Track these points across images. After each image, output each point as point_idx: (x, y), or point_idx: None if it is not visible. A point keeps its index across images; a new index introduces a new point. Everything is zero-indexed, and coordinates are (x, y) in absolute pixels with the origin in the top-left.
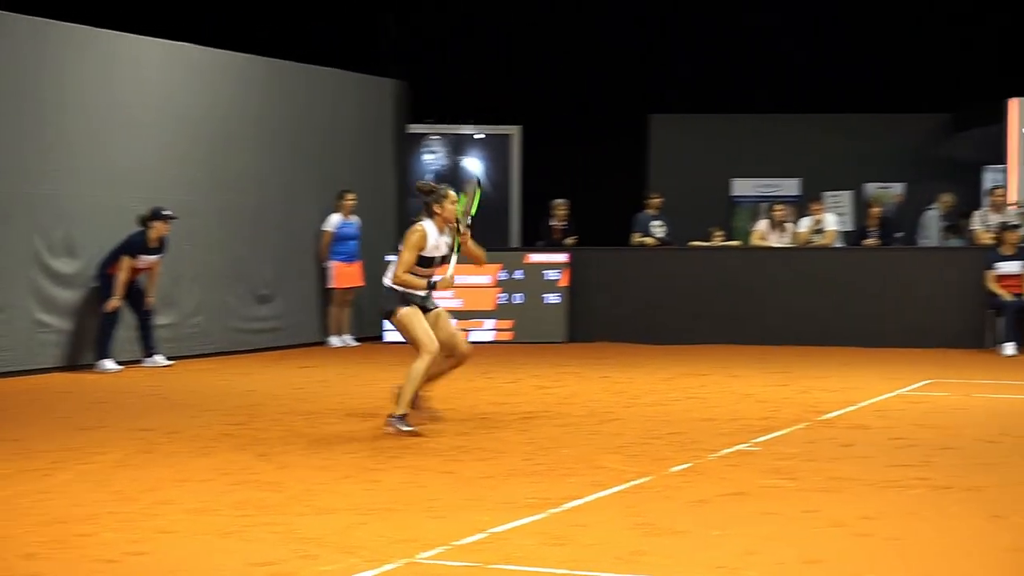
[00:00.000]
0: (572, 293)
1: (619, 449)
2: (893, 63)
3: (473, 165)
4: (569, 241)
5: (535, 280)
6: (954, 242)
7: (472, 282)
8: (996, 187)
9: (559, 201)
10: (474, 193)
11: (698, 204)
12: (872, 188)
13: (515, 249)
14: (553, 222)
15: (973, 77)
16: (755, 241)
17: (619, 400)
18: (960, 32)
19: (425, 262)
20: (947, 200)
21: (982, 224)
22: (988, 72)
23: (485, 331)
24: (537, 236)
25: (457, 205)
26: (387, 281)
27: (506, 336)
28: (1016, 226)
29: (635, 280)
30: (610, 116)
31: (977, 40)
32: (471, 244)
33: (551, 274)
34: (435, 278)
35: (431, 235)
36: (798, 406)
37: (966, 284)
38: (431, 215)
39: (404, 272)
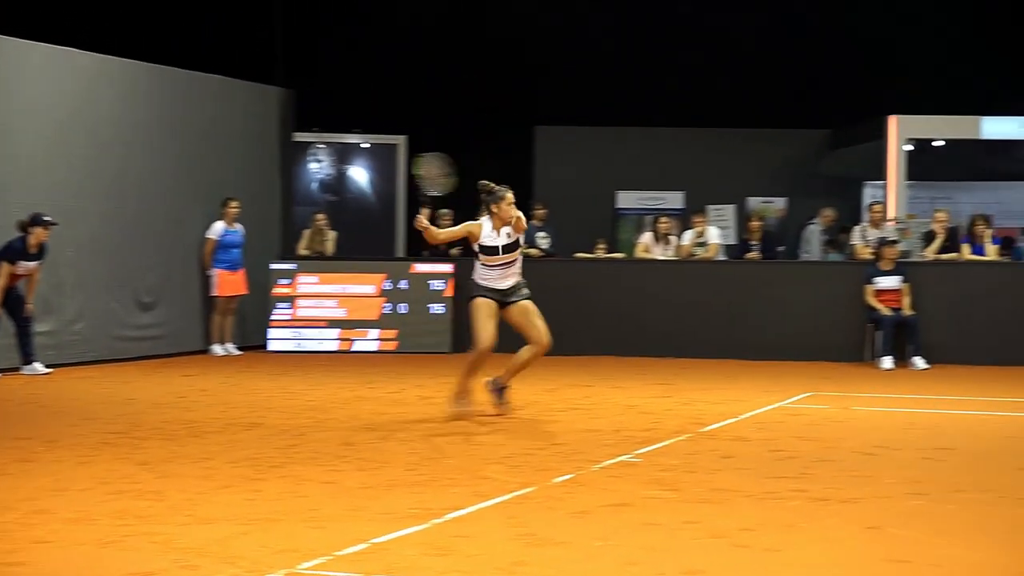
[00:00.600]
0: (457, 303)
1: (502, 460)
2: (776, 80)
3: (358, 174)
4: (454, 252)
5: (420, 290)
6: (834, 257)
7: (356, 291)
8: (875, 203)
9: (444, 211)
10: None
11: (583, 216)
12: (754, 202)
13: (400, 259)
14: None
15: (854, 94)
16: (639, 253)
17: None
18: (841, 50)
19: (485, 250)
20: (828, 215)
21: (861, 239)
22: (868, 89)
23: (369, 341)
24: (423, 246)
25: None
26: (474, 273)
27: (390, 346)
28: (894, 242)
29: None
30: (496, 127)
31: (858, 58)
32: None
33: (436, 284)
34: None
35: (486, 231)
36: (680, 418)
37: (846, 298)
38: (490, 214)
39: (439, 232)
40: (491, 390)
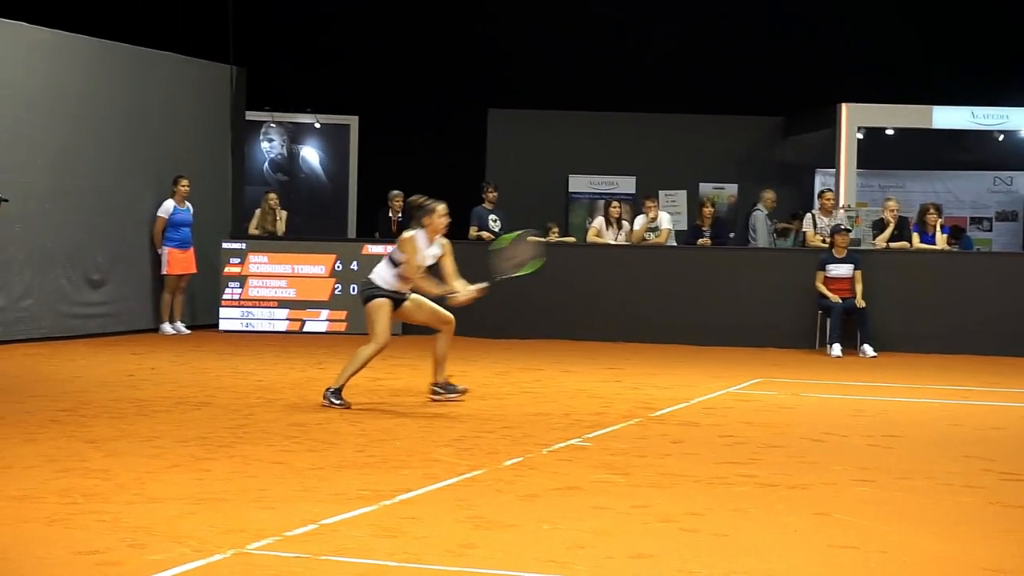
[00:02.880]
0: None
1: (452, 442)
2: (729, 66)
3: (310, 154)
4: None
5: (371, 271)
6: (782, 244)
7: (307, 272)
8: (826, 190)
9: (396, 193)
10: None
11: (535, 199)
12: (706, 188)
13: (351, 240)
14: (390, 214)
15: (806, 82)
16: (591, 238)
17: None
18: (795, 38)
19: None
20: (770, 198)
21: (812, 227)
22: (821, 77)
23: (319, 322)
24: (374, 227)
25: (498, 245)
26: (374, 276)
27: (340, 327)
28: (846, 229)
29: (471, 274)
30: (449, 109)
31: (811, 46)
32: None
33: None
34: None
35: (421, 244)
36: (630, 402)
37: (797, 285)
38: (421, 227)
39: (416, 273)
40: (440, 393)
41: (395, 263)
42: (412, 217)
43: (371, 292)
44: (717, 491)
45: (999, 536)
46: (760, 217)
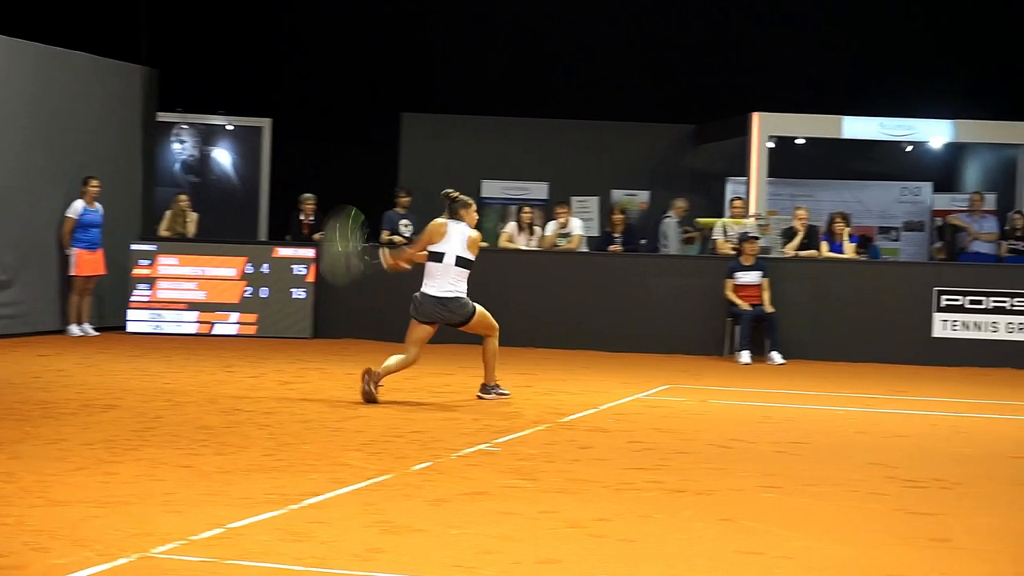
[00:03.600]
0: (319, 288)
1: (361, 446)
2: (642, 74)
3: (222, 156)
4: (317, 236)
5: (282, 274)
6: (692, 251)
7: (217, 274)
8: (736, 199)
9: (308, 196)
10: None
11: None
12: (618, 195)
13: (262, 243)
14: (301, 217)
15: (718, 91)
16: (503, 243)
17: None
18: (708, 46)
19: (432, 256)
20: (681, 206)
21: (723, 234)
22: (733, 86)
23: (229, 324)
24: (285, 230)
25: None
26: (461, 289)
27: (250, 330)
28: (755, 237)
29: (382, 278)
30: (363, 113)
31: (724, 54)
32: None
33: (298, 269)
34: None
35: (452, 231)
36: (540, 407)
37: (707, 292)
38: (458, 218)
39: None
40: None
41: (464, 265)
42: (448, 209)
43: (469, 304)
44: (625, 497)
45: (902, 543)
46: (671, 224)
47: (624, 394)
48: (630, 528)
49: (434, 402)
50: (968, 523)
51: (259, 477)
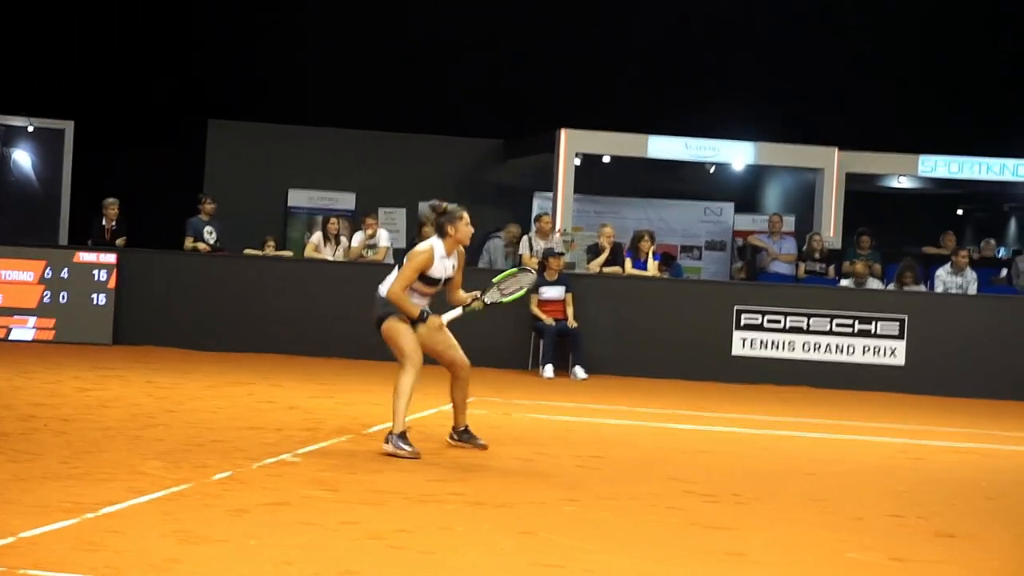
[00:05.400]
0: (120, 295)
1: (160, 455)
2: (451, 87)
3: (22, 158)
4: (119, 242)
5: (82, 279)
6: (575, 255)
7: (14, 278)
8: (543, 214)
9: (110, 200)
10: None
11: (254, 212)
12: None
13: (63, 247)
14: (103, 221)
15: (527, 106)
16: (309, 253)
17: (163, 406)
18: (516, 62)
19: (429, 281)
20: (513, 231)
21: (528, 249)
22: (541, 102)
23: (26, 329)
24: (87, 235)
25: (501, 277)
26: (383, 290)
27: (47, 335)
28: (560, 253)
29: (186, 285)
30: (169, 118)
31: (533, 71)
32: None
33: (99, 274)
34: (426, 309)
35: (438, 256)
36: (342, 418)
37: (512, 307)
38: (443, 235)
39: (402, 289)
40: (456, 440)
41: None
42: (434, 224)
43: (383, 312)
44: (426, 509)
45: (698, 556)
46: (499, 245)
47: (427, 406)
48: (430, 540)
49: (236, 412)
50: (762, 537)
51: (54, 485)
